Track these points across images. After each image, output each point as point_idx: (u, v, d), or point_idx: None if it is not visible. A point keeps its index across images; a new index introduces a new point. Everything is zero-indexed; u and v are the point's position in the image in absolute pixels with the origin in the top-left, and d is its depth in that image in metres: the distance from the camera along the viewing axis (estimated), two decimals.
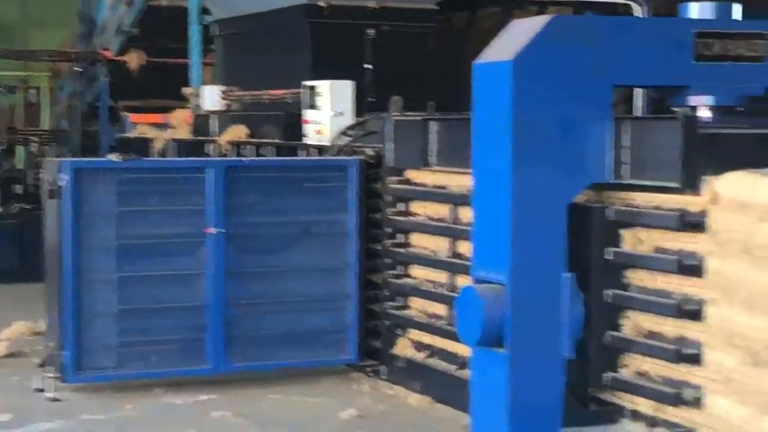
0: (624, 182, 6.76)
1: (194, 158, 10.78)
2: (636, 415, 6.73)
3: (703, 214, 6.27)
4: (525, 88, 6.45)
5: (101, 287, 8.35)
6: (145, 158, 10.87)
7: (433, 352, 8.42)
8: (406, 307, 8.84)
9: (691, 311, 6.35)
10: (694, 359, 6.34)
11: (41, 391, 8.29)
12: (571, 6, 11.07)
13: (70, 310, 8.19)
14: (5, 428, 7.53)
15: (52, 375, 8.35)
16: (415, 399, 8.29)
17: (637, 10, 10.49)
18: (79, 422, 7.70)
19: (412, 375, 8.55)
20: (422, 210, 8.68)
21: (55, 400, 8.17)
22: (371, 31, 10.61)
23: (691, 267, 6.36)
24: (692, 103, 6.98)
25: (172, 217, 8.54)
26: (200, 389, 8.43)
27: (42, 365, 8.52)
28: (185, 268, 8.57)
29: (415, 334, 8.69)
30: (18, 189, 13.96)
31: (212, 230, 8.50)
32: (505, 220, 6.51)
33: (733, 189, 6.15)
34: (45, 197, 8.74)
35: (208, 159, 10.23)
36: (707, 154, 6.36)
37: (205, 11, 13.06)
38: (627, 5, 10.64)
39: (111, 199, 8.37)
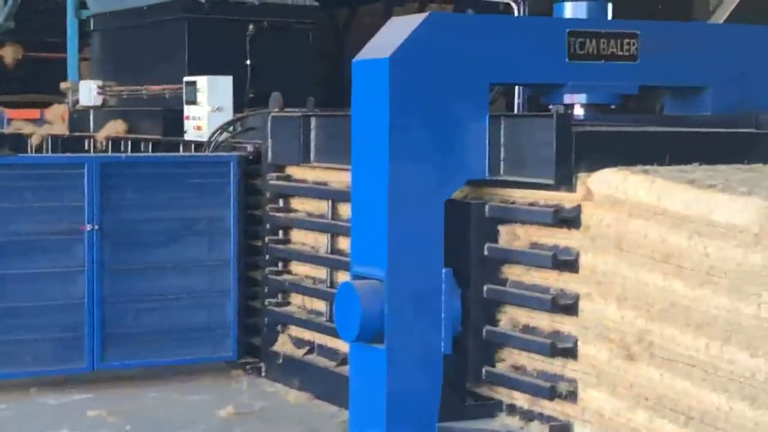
0: (501, 179, 6.80)
1: (70, 154, 10.57)
2: (513, 409, 6.79)
3: (577, 210, 6.39)
4: (402, 86, 6.53)
5: None
6: (21, 154, 10.75)
7: (313, 348, 8.43)
8: (286, 303, 8.84)
9: (566, 306, 6.45)
10: (569, 353, 6.45)
11: None
12: (452, 3, 11.14)
13: None
14: None
15: None
16: (294, 396, 8.29)
17: (516, 10, 10.61)
18: None
19: (292, 372, 8.54)
20: (302, 206, 8.71)
21: None
22: (251, 27, 10.57)
23: (566, 262, 6.45)
24: (567, 102, 7.14)
25: (48, 213, 8.40)
26: (76, 388, 8.35)
27: None
28: (61, 266, 8.44)
29: (295, 330, 8.69)
30: None
31: (87, 227, 8.40)
32: (383, 216, 6.60)
33: (605, 186, 6.29)
34: None
35: (85, 155, 10.04)
36: (581, 152, 6.44)
37: (82, 5, 12.93)
38: (507, 4, 10.74)
39: None
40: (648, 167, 6.22)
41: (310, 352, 8.47)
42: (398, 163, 6.53)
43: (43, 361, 8.42)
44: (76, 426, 7.43)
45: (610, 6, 7.38)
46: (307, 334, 8.53)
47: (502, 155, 6.76)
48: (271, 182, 8.89)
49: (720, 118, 7.21)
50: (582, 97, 7.11)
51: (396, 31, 6.71)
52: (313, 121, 8.48)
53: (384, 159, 6.55)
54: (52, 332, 8.43)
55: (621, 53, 7.03)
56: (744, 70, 7.28)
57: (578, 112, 7.10)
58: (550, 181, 6.48)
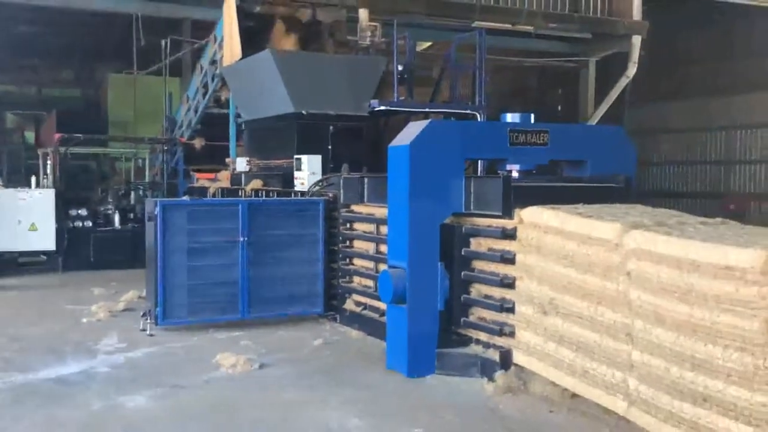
0: (471, 212, 6.73)
1: (231, 198, 10.58)
2: (478, 342, 6.73)
3: (515, 229, 6.34)
4: (416, 160, 6.52)
5: (178, 271, 8.14)
6: (204, 198, 10.83)
7: (366, 307, 8.33)
8: (350, 281, 8.71)
9: (508, 283, 6.41)
10: (510, 310, 6.42)
11: (144, 330, 8.17)
12: (442, 115, 11.10)
13: (161, 284, 8.05)
14: (123, 351, 7.44)
15: (150, 321, 8.23)
16: (355, 333, 8.21)
17: (479, 117, 10.55)
18: (165, 347, 7.60)
19: (354, 320, 8.43)
20: (360, 227, 8.58)
21: (151, 335, 8.05)
22: (331, 127, 10.51)
23: (508, 259, 6.40)
24: (509, 168, 7.10)
25: (219, 232, 8.32)
26: (234, 329, 8.28)
27: (144, 315, 8.38)
28: (226, 261, 8.33)
29: (356, 296, 8.58)
30: (131, 215, 13.79)
31: (240, 239, 8.35)
32: (405, 232, 6.57)
33: (530, 216, 6.26)
34: (147, 220, 8.54)
35: (239, 199, 9.99)
36: (516, 196, 6.42)
37: (238, 116, 12.99)
38: (474, 114, 10.70)
39: (183, 221, 8.18)
40: (554, 206, 6.12)
41: (364, 309, 8.36)
42: (414, 202, 6.51)
43: (216, 313, 8.37)
44: (235, 349, 7.37)
45: (532, 116, 7.35)
46: (362, 299, 8.43)
47: (472, 198, 6.71)
48: (343, 213, 8.76)
49: (594, 178, 7.11)
50: (516, 166, 7.03)
51: (412, 130, 6.68)
52: (365, 179, 8.49)
53: (406, 200, 6.54)
54: (221, 297, 8.35)
55: (538, 141, 6.94)
56: (604, 151, 7.20)
57: (515, 174, 7.02)
58: (499, 213, 6.46)
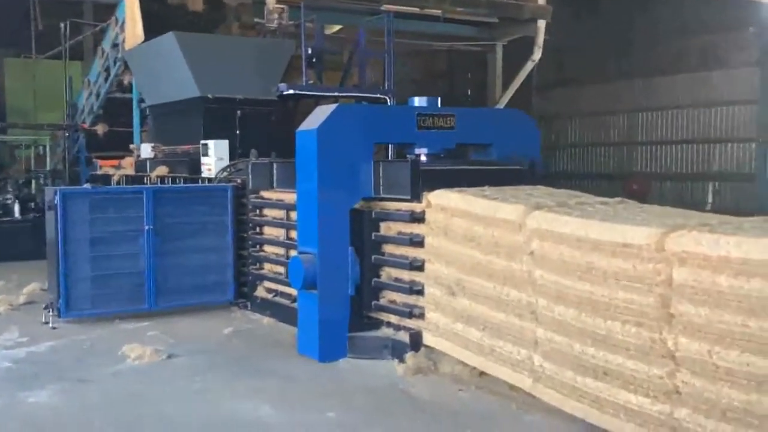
0: (381, 196, 6.76)
1: (136, 186, 10.31)
2: (389, 324, 6.78)
3: (423, 213, 6.40)
4: (324, 144, 6.48)
5: (80, 261, 7.95)
6: (107, 186, 10.56)
7: (277, 293, 8.29)
8: (261, 268, 8.65)
9: (418, 266, 6.47)
10: (420, 292, 6.48)
11: (47, 323, 7.94)
12: (354, 99, 11.08)
13: (63, 275, 7.85)
14: (25, 345, 7.20)
15: (52, 313, 7.99)
16: (267, 321, 8.18)
17: (389, 101, 10.57)
18: (70, 340, 7.40)
19: (265, 307, 8.38)
20: (270, 213, 8.53)
21: (54, 328, 7.84)
22: (239, 112, 10.36)
23: (417, 242, 6.45)
24: (417, 152, 7.14)
25: (122, 220, 8.13)
26: (142, 320, 8.15)
27: (46, 308, 8.12)
28: (131, 250, 8.19)
29: (267, 284, 8.52)
30: (32, 205, 13.33)
31: (146, 227, 8.19)
32: (315, 218, 6.55)
33: (437, 199, 6.34)
34: (46, 210, 8.30)
35: (143, 186, 9.73)
36: (424, 180, 6.45)
37: (141, 100, 12.69)
38: (384, 99, 10.71)
39: (85, 210, 7.97)
40: (461, 189, 6.22)
41: (275, 295, 8.31)
42: (322, 188, 6.49)
43: (122, 303, 8.21)
44: (142, 340, 7.26)
45: (439, 99, 7.41)
46: (273, 285, 8.38)
47: (381, 183, 6.72)
48: (252, 199, 8.69)
49: (500, 160, 7.24)
50: (425, 150, 7.08)
51: (320, 114, 6.65)
52: (274, 165, 8.38)
53: (314, 186, 6.52)
54: (126, 288, 8.20)
55: (445, 125, 7.06)
56: (508, 134, 7.33)
57: (423, 158, 7.08)
58: (408, 197, 6.49)
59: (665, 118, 20.17)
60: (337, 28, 18.42)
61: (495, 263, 5.73)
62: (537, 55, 15.12)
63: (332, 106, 6.70)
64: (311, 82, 10.37)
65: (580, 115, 22.03)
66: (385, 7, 13.72)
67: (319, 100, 10.12)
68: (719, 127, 19.18)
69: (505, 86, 16.46)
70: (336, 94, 10.35)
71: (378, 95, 10.52)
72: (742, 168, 18.85)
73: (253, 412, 5.39)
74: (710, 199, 19.12)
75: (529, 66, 15.31)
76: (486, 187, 6.36)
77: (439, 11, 14.40)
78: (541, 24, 15.03)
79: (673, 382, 4.48)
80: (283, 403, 5.57)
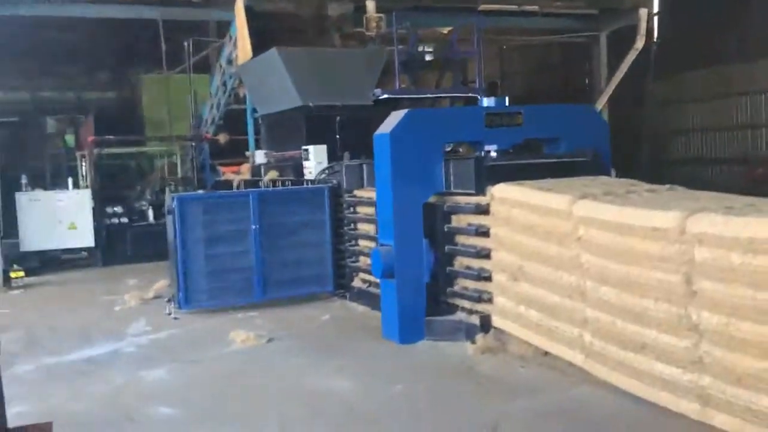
0: (451, 191, 7.25)
1: (245, 190, 10.96)
2: (462, 309, 7.31)
3: (487, 205, 6.91)
4: (396, 146, 7.07)
5: (196, 259, 8.82)
6: (217, 191, 11.41)
7: (371, 284, 8.81)
8: (357, 261, 9.24)
9: (485, 254, 6.97)
10: (488, 278, 6.97)
11: (169, 314, 8.89)
12: (449, 100, 11.45)
13: (182, 272, 8.76)
14: (149, 333, 8.20)
15: (174, 306, 8.93)
16: (361, 309, 8.80)
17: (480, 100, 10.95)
18: (186, 329, 8.32)
19: (361, 297, 8.96)
20: (362, 210, 9.13)
21: (176, 318, 8.77)
22: (338, 118, 10.95)
23: (483, 232, 6.96)
24: (487, 148, 7.66)
25: (232, 221, 8.92)
26: (250, 310, 8.93)
27: (168, 301, 9.09)
28: (240, 248, 8.96)
29: (362, 275, 9.10)
30: (164, 210, 14.56)
31: (253, 227, 8.97)
32: (390, 213, 7.15)
33: (499, 192, 6.81)
34: (166, 214, 9.19)
35: (250, 190, 10.24)
36: (489, 175, 6.95)
37: (254, 111, 13.61)
38: (476, 97, 11.03)
39: (199, 213, 8.83)
40: (520, 182, 6.69)
41: (369, 286, 8.88)
42: (396, 186, 7.08)
43: (234, 296, 9.00)
44: (251, 327, 8.03)
45: (507, 98, 7.83)
46: (367, 277, 8.86)
47: (452, 179, 7.24)
48: (346, 198, 9.31)
49: (565, 154, 7.60)
50: (494, 146, 7.56)
51: (393, 119, 7.27)
52: (364, 165, 8.98)
53: (389, 183, 7.13)
54: (238, 282, 9.00)
55: (513, 122, 7.54)
56: (576, 128, 7.70)
57: (493, 154, 7.55)
58: (473, 191, 7.02)
59: None
60: (448, 29, 19.03)
61: (549, 249, 6.24)
62: (640, 43, 15.12)
63: (403, 112, 7.32)
64: (404, 86, 11.03)
65: (699, 100, 21.57)
66: (483, 7, 14.22)
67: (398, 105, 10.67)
68: None
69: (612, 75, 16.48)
70: (426, 95, 10.96)
71: (467, 94, 11.03)
72: None
73: (331, 385, 6.17)
74: None
75: (632, 55, 15.33)
76: (546, 180, 6.81)
77: (536, 7, 14.74)
78: (643, 13, 15.03)
79: (697, 353, 4.90)
80: (359, 378, 6.31)
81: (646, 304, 5.28)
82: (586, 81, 23.05)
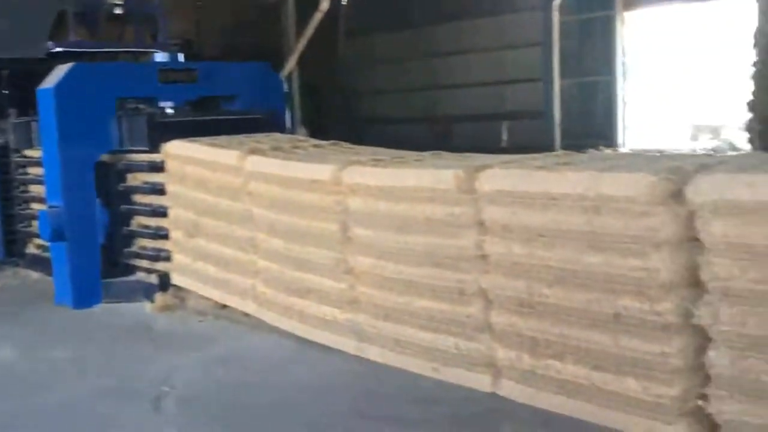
0: (126, 149, 7.15)
1: None
2: (141, 269, 7.32)
3: (162, 163, 6.91)
4: (62, 102, 6.82)
5: None
6: None
7: (46, 249, 8.08)
8: (29, 226, 8.66)
9: (162, 212, 7.00)
10: (165, 237, 7.03)
11: None
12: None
13: None
14: None
15: None
16: (36, 276, 8.37)
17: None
18: None
19: (36, 263, 8.48)
20: (33, 171, 8.45)
21: None
22: (5, 72, 9.85)
23: (159, 190, 6.97)
24: (163, 105, 7.62)
25: None
26: None
27: None
28: None
29: (36, 240, 8.48)
30: None
31: None
32: (58, 173, 6.94)
33: (173, 149, 6.83)
34: None
35: None
36: (163, 132, 6.92)
37: None
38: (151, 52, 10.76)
39: None
40: (194, 138, 6.74)
41: (44, 251, 8.25)
42: (64, 144, 6.85)
43: None
44: None
45: (182, 55, 7.84)
46: (40, 242, 8.27)
47: (125, 136, 7.11)
48: (15, 159, 8.79)
49: (245, 111, 7.82)
50: (169, 103, 7.55)
51: (59, 72, 7.00)
52: (32, 123, 8.28)
53: (56, 142, 6.89)
54: None
55: (188, 79, 7.59)
56: (253, 86, 7.94)
57: (170, 110, 7.55)
58: (147, 148, 6.98)
59: (462, 63, 21.48)
60: None
61: (222, 205, 6.44)
62: (325, 5, 15.74)
63: (70, 65, 7.05)
64: (82, 39, 10.47)
65: (385, 61, 22.98)
66: None
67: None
68: (510, 68, 20.69)
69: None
70: (104, 50, 10.51)
71: (148, 50, 10.76)
72: (532, 107, 20.48)
73: None
74: (505, 137, 20.70)
75: (317, 17, 15.90)
76: (220, 137, 6.94)
77: None
78: None
79: (353, 294, 5.38)
80: (27, 345, 6.08)
81: (309, 252, 5.67)
82: (281, 41, 23.56)
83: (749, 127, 12.48)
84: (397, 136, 21.39)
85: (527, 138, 20.19)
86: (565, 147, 14.63)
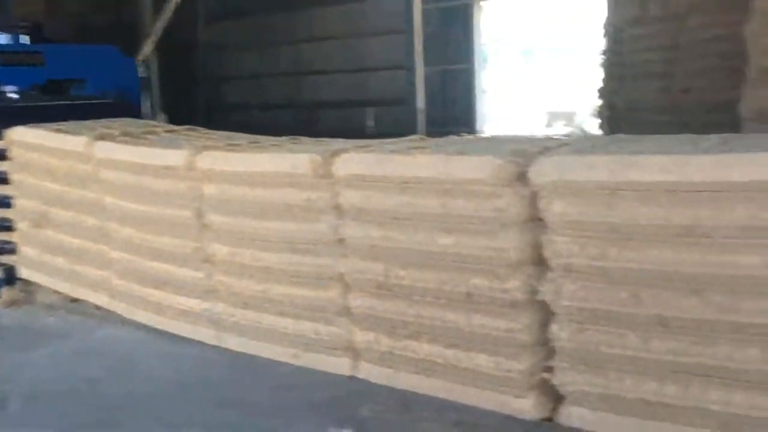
0: None
1: None
2: None
3: (5, 150, 6.61)
4: None
5: None
6: None
7: None
8: None
9: (6, 203, 6.68)
10: (11, 228, 6.73)
11: None
12: None
13: None
14: None
15: None
16: None
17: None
18: None
19: None
20: None
21: None
22: None
23: (3, 179, 6.64)
24: (5, 89, 7.26)
25: None
26: None
27: None
28: None
29: None
30: None
31: None
32: None
33: (17, 136, 6.55)
34: None
35: None
36: (6, 118, 6.66)
37: None
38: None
39: None
40: (39, 125, 6.44)
41: None
42: None
43: None
44: None
45: (27, 37, 7.50)
46: None
47: None
48: None
49: (95, 96, 7.59)
50: (14, 87, 7.21)
51: None
52: None
53: None
54: None
55: (34, 62, 7.28)
56: (103, 69, 7.69)
57: (13, 95, 7.22)
58: None
59: (325, 49, 21.47)
60: None
61: (71, 193, 6.18)
62: None
63: None
64: None
65: (248, 47, 22.67)
66: None
67: None
68: (374, 55, 20.86)
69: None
70: None
71: None
72: (396, 94, 20.74)
73: None
74: (371, 124, 20.88)
75: (172, 2, 15.46)
76: (67, 122, 6.67)
77: None
78: None
79: (211, 283, 5.29)
80: None
81: (164, 241, 5.53)
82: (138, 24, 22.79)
83: (599, 114, 13.11)
84: (261, 123, 21.19)
85: (393, 125, 20.49)
86: (429, 134, 14.96)
